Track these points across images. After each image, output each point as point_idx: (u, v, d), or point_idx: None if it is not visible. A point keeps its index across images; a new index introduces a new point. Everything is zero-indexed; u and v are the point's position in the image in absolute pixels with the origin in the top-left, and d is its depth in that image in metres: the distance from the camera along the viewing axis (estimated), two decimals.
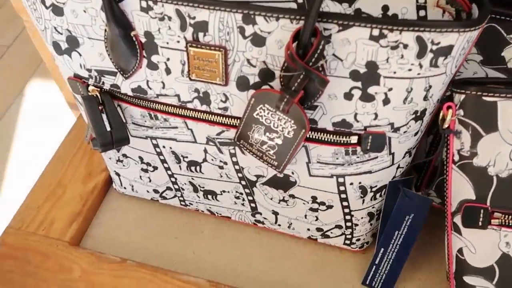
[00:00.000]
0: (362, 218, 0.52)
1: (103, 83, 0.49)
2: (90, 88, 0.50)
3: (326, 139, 0.44)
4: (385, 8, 0.43)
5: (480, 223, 0.46)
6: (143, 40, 0.44)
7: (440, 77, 0.40)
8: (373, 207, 0.52)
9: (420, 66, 0.39)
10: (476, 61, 0.47)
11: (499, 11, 0.44)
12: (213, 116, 0.47)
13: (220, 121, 0.47)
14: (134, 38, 0.44)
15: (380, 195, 0.51)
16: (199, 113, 0.47)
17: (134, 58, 0.45)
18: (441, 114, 0.45)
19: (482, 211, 0.45)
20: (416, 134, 0.46)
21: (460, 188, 0.46)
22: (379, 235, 0.53)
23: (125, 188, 0.63)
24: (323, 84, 0.38)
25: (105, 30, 0.45)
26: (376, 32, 0.37)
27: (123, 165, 0.59)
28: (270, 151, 0.44)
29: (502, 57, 0.46)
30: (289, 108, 0.40)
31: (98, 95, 0.49)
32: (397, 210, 0.51)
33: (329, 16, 0.38)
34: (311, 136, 0.44)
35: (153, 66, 0.45)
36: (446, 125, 0.45)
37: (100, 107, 0.50)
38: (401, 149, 0.46)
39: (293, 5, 0.45)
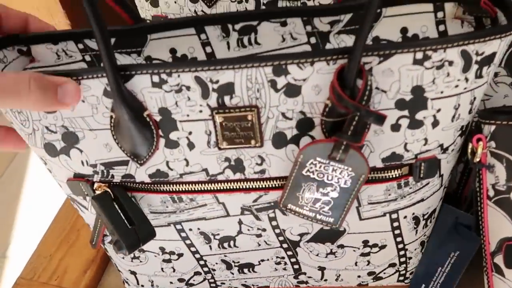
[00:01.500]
0: (415, 249, 0.49)
1: (112, 176, 0.43)
2: (96, 185, 0.44)
3: (376, 178, 0.41)
4: (404, 30, 0.42)
5: None
6: (157, 118, 0.39)
7: (483, 87, 0.39)
8: (424, 235, 0.49)
9: (466, 80, 0.37)
10: (506, 83, 0.45)
11: None
12: (248, 183, 0.42)
13: (257, 186, 0.42)
14: (148, 119, 0.39)
15: (430, 221, 0.48)
16: (232, 183, 0.42)
17: (149, 140, 0.40)
18: (470, 147, 0.42)
19: None
20: (458, 150, 0.44)
21: (499, 226, 0.43)
22: (419, 267, 0.50)
23: (142, 286, 0.55)
24: (381, 121, 0.35)
25: (111, 117, 0.39)
26: (419, 55, 0.35)
27: (140, 261, 0.52)
28: (325, 207, 0.40)
29: None
30: (346, 156, 0.36)
31: (109, 190, 0.43)
32: (444, 246, 0.48)
33: (368, 49, 0.35)
34: None
35: (172, 145, 0.40)
36: (477, 159, 0.42)
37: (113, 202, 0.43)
38: (448, 169, 0.44)
39: (307, 47, 0.42)
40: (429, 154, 0.41)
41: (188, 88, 0.37)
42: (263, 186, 0.42)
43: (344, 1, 0.43)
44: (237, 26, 0.42)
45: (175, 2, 0.56)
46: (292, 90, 0.37)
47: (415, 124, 0.39)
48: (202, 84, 0.37)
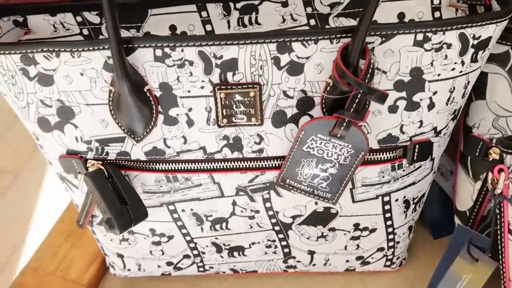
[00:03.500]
0: (403, 233, 0.50)
1: (107, 153, 0.42)
2: (89, 162, 0.43)
3: (371, 159, 0.42)
4: (401, 15, 0.43)
5: None
6: (158, 94, 0.39)
7: (477, 72, 0.40)
8: (413, 220, 0.50)
9: (463, 63, 0.38)
10: None
11: None
12: (245, 162, 0.42)
13: (254, 166, 0.42)
14: (148, 94, 0.38)
15: (419, 206, 0.49)
16: (229, 162, 0.42)
17: (147, 116, 0.39)
18: (490, 177, 0.41)
19: None
20: (449, 135, 0.45)
21: None
22: (430, 285, 0.48)
23: (129, 270, 0.55)
24: (383, 99, 0.35)
25: (110, 91, 0.39)
26: (420, 36, 0.36)
27: (129, 244, 0.51)
28: (323, 183, 0.41)
29: None
30: (347, 133, 0.37)
31: (102, 168, 0.42)
32: (456, 267, 0.46)
33: (371, 29, 0.36)
34: None
35: (171, 121, 0.40)
36: (498, 191, 0.40)
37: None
38: (439, 153, 0.45)
39: (307, 29, 0.43)
40: (423, 137, 0.42)
41: (191, 63, 0.37)
42: (261, 165, 0.42)
43: None
44: (239, 5, 0.42)
45: None
46: (295, 68, 0.37)
47: (412, 106, 0.40)
48: (205, 59, 0.37)
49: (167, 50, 0.37)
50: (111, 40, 0.35)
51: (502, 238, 0.42)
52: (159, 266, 0.54)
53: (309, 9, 0.42)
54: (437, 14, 0.42)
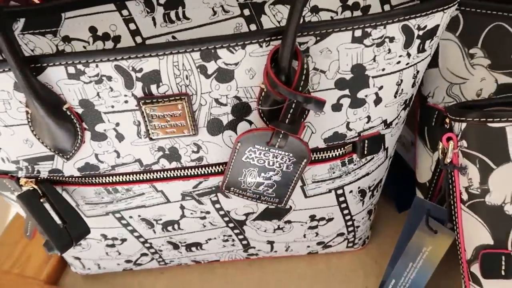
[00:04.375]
0: (363, 218, 0.49)
1: (38, 171, 0.39)
2: (22, 180, 0.40)
3: (319, 158, 0.40)
4: None
5: (503, 272, 0.38)
6: (79, 111, 0.35)
7: (426, 60, 0.37)
8: (372, 204, 0.49)
9: (408, 55, 0.35)
10: (483, 65, 0.41)
11: (507, 7, 0.38)
12: (186, 170, 0.40)
13: (196, 173, 0.40)
14: (68, 112, 0.35)
15: (377, 191, 0.48)
16: (169, 172, 0.40)
17: (73, 134, 0.36)
18: (440, 146, 0.38)
19: (503, 257, 0.38)
20: (403, 122, 0.42)
21: (474, 232, 0.39)
22: (392, 260, 0.48)
23: (89, 269, 0.54)
24: (320, 107, 0.32)
25: (27, 112, 0.35)
26: (358, 32, 0.33)
27: (83, 248, 0.50)
28: (268, 190, 0.39)
29: None
30: (286, 143, 0.34)
31: (36, 187, 0.40)
32: (416, 240, 0.45)
33: (303, 29, 0.32)
34: None
35: (99, 137, 0.37)
36: (448, 160, 0.38)
37: (41, 199, 0.40)
38: (393, 141, 0.43)
39: (241, 20, 0.39)
40: (372, 131, 0.39)
41: (109, 78, 0.34)
42: (202, 172, 0.40)
43: None
44: (162, 0, 0.38)
45: None
46: (224, 75, 0.34)
47: (356, 103, 0.37)
48: (124, 73, 0.33)
49: (80, 66, 0.33)
50: (10, 65, 0.31)
51: (455, 208, 0.41)
52: (118, 264, 0.53)
53: None
54: None
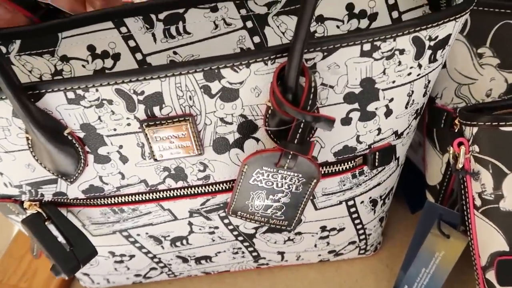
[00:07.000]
0: (374, 226, 0.48)
1: (42, 195, 0.39)
2: (26, 204, 0.39)
3: (329, 171, 0.38)
4: (350, 6, 0.37)
5: None
6: (81, 135, 0.34)
7: (438, 69, 0.36)
8: (383, 212, 0.48)
9: (420, 66, 0.34)
10: (492, 65, 0.39)
11: None
12: (192, 189, 0.39)
13: (203, 191, 0.39)
14: (69, 137, 0.34)
15: (389, 198, 0.47)
16: (175, 191, 0.39)
17: (75, 158, 0.35)
18: (451, 151, 0.37)
19: None
20: (414, 130, 0.41)
21: (489, 238, 0.38)
22: (404, 264, 0.47)
23: (98, 283, 0.53)
24: (330, 125, 0.31)
25: (27, 138, 0.34)
26: (367, 46, 0.31)
27: (91, 265, 0.49)
28: (277, 212, 0.37)
29: None
30: (295, 164, 0.33)
31: (40, 210, 0.39)
32: (428, 244, 0.44)
33: (309, 45, 0.31)
34: None
35: (103, 160, 0.36)
36: (460, 165, 0.37)
37: (46, 222, 0.39)
38: (404, 150, 0.42)
39: (244, 33, 0.38)
40: (383, 143, 0.38)
41: (110, 102, 0.32)
42: (209, 190, 0.39)
43: None
44: (161, 16, 0.37)
45: None
46: (229, 94, 0.33)
47: (366, 116, 0.35)
48: (125, 96, 0.32)
49: (79, 91, 0.32)
50: (6, 94, 0.30)
51: (468, 214, 0.40)
52: (127, 278, 0.52)
53: (243, 11, 0.37)
54: (391, 1, 0.37)
